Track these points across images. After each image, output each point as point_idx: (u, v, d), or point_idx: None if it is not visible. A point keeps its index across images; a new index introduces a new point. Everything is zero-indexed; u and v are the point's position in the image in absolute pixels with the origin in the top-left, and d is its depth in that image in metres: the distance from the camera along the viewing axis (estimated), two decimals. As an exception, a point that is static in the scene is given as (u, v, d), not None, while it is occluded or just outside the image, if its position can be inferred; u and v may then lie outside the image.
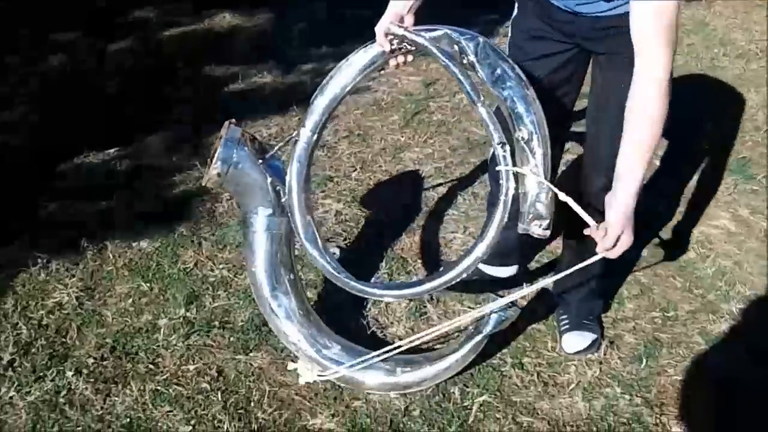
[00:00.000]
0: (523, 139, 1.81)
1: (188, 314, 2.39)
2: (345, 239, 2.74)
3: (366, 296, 2.08)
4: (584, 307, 2.34)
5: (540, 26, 2.02)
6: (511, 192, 1.82)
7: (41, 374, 2.18)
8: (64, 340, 2.31)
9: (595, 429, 2.04)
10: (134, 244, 2.70)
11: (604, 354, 2.27)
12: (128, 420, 2.05)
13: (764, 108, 3.68)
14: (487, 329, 2.01)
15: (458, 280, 1.91)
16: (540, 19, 2.02)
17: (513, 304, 2.01)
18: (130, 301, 2.46)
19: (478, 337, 2.03)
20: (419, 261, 2.64)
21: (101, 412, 2.08)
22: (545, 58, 2.04)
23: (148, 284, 2.52)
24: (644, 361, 2.25)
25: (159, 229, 2.77)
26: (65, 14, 4.69)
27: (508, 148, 1.81)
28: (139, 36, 4.53)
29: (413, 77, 3.99)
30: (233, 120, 2.04)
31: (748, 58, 4.30)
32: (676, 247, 2.72)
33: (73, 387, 2.15)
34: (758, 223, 2.87)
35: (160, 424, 2.04)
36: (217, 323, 2.36)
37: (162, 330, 2.34)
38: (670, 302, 2.48)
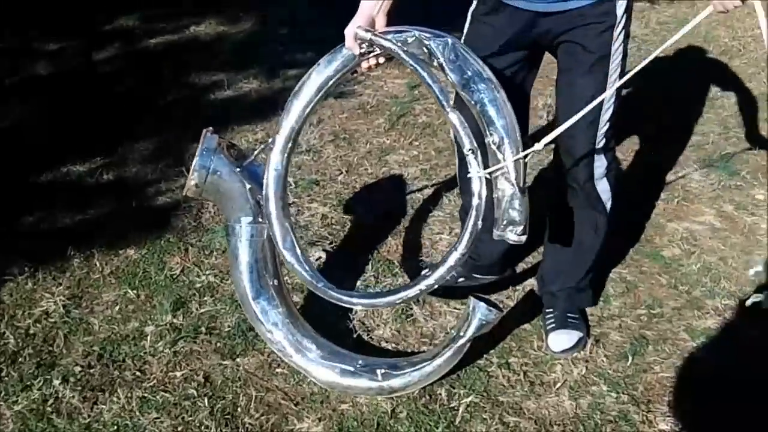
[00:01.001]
0: (494, 143, 1.79)
1: (175, 320, 2.39)
2: (331, 242, 2.74)
3: (343, 304, 2.08)
4: (570, 303, 2.35)
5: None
6: (483, 198, 1.82)
7: (28, 383, 2.18)
8: (51, 348, 2.31)
9: (582, 427, 2.05)
10: (121, 252, 2.70)
11: (591, 352, 2.28)
12: (115, 427, 2.05)
13: (747, 104, 3.70)
14: (469, 333, 2.01)
15: (433, 288, 1.92)
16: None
17: (495, 307, 2.02)
18: (117, 308, 2.46)
19: (461, 341, 2.03)
20: (405, 263, 2.65)
21: (88, 420, 2.07)
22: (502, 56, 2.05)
23: (135, 291, 2.52)
24: (630, 358, 2.26)
25: (145, 236, 2.77)
26: (51, 21, 4.69)
27: (479, 153, 1.80)
28: (125, 43, 4.54)
29: (398, 80, 4.00)
30: (210, 129, 2.05)
31: (731, 54, 4.33)
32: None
33: (60, 395, 2.15)
34: (742, 219, 2.88)
35: (147, 431, 2.04)
36: (203, 329, 2.36)
37: (149, 337, 2.34)
38: (655, 299, 2.49)
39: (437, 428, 2.03)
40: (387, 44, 1.88)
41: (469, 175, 1.83)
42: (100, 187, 3.09)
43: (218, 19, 4.85)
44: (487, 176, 1.81)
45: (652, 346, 2.31)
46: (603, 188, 2.18)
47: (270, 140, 2.05)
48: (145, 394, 2.14)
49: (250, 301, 2.13)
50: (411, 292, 1.94)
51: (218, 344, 2.31)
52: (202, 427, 2.04)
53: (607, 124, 2.08)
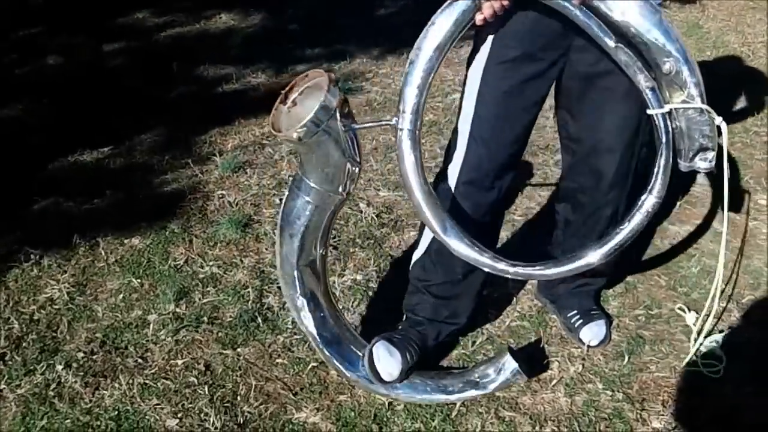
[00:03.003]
0: (670, 71, 1.65)
1: (178, 310, 2.42)
2: (334, 237, 2.77)
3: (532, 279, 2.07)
4: (586, 297, 2.38)
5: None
6: (671, 130, 1.71)
7: (31, 368, 2.21)
8: (54, 334, 2.34)
9: (576, 424, 2.07)
10: (126, 241, 2.73)
11: (587, 350, 2.30)
12: (116, 413, 2.08)
13: (755, 110, 3.71)
14: (490, 388, 2.07)
15: (627, 242, 1.87)
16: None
17: (520, 371, 2.06)
18: (121, 296, 2.49)
19: (478, 393, 2.08)
20: (408, 259, 2.66)
21: (90, 405, 2.11)
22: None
23: (139, 280, 2.55)
24: (627, 357, 2.28)
25: (151, 226, 2.80)
26: (61, 14, 4.73)
27: (656, 87, 1.67)
28: (135, 36, 4.57)
29: (406, 78, 4.01)
30: (333, 76, 1.72)
31: (740, 60, 4.33)
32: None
33: (62, 380, 2.18)
34: (743, 223, 2.90)
35: (147, 417, 2.07)
36: (205, 319, 2.39)
37: (151, 325, 2.37)
38: (654, 300, 2.51)
39: (433, 421, 2.05)
40: None
41: (650, 112, 1.71)
42: (107, 176, 3.12)
43: (229, 14, 4.88)
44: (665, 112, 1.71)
45: (648, 346, 2.32)
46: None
47: (391, 119, 1.76)
48: (147, 381, 2.17)
49: (292, 264, 1.95)
50: (604, 250, 1.88)
51: (220, 334, 2.34)
52: (202, 415, 2.07)
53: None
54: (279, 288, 2.50)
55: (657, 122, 1.72)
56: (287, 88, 1.74)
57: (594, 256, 1.90)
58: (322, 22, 4.74)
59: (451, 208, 1.97)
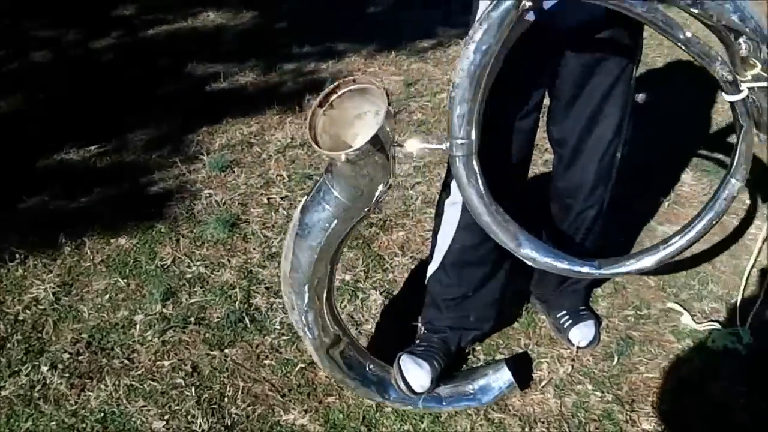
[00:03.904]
0: (746, 52, 1.53)
1: (164, 310, 2.40)
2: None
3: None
4: (576, 297, 2.37)
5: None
6: (749, 115, 1.61)
7: (16, 369, 2.19)
8: (40, 335, 2.32)
9: (566, 425, 2.06)
10: (112, 241, 2.71)
11: (577, 351, 2.29)
12: (102, 415, 2.06)
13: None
14: (485, 400, 2.07)
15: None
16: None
17: (515, 383, 2.06)
18: (107, 296, 2.47)
19: (471, 404, 2.07)
20: (396, 259, 2.66)
21: (75, 406, 2.08)
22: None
23: (125, 280, 2.53)
24: (616, 358, 2.27)
25: (137, 225, 2.78)
26: (49, 9, 4.69)
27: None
28: (124, 32, 4.54)
29: (395, 77, 4.01)
30: (387, 88, 1.62)
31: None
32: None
33: (48, 382, 2.16)
34: (732, 223, 2.90)
35: (134, 419, 2.05)
36: (192, 319, 2.37)
37: (138, 325, 2.35)
38: (643, 300, 2.51)
39: (422, 423, 2.04)
40: None
41: (731, 99, 1.61)
42: (94, 175, 3.10)
43: (218, 11, 4.85)
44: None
45: (638, 347, 2.32)
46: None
47: (445, 143, 1.59)
48: (133, 383, 2.15)
49: (305, 265, 1.83)
50: (691, 234, 1.80)
51: (207, 335, 2.32)
52: (189, 417, 2.05)
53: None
54: (267, 289, 2.49)
55: (736, 108, 1.63)
56: (328, 90, 1.62)
57: (680, 241, 1.82)
58: (312, 20, 4.72)
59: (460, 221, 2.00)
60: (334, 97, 1.62)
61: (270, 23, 4.72)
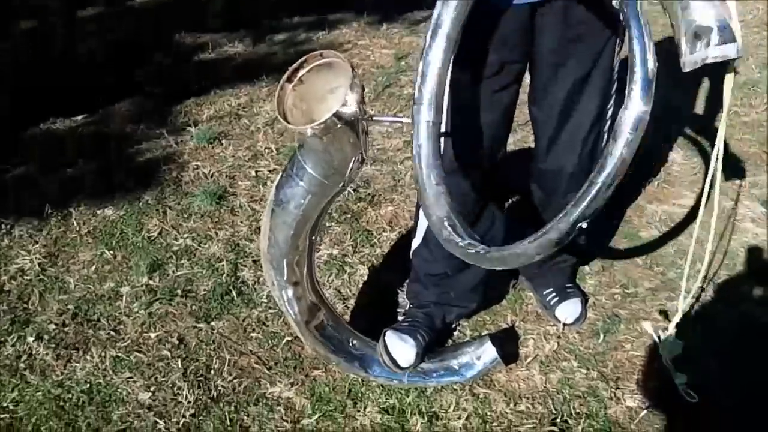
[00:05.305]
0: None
1: (151, 282, 2.40)
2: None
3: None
4: (562, 275, 2.38)
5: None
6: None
7: (2, 339, 2.19)
8: (25, 305, 2.31)
9: (550, 401, 2.07)
10: (99, 212, 2.69)
11: (563, 328, 2.30)
12: (88, 385, 2.06)
13: (738, 90, 3.72)
14: (468, 376, 2.06)
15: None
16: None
17: (500, 360, 2.05)
18: (93, 268, 2.45)
19: (456, 380, 2.07)
20: (384, 234, 2.65)
21: (61, 377, 2.08)
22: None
23: (112, 252, 2.51)
24: (602, 336, 2.28)
25: (124, 196, 2.76)
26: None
27: None
28: (111, 2, 4.49)
29: (385, 50, 3.98)
30: (353, 63, 1.61)
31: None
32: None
33: (33, 352, 2.15)
34: (721, 204, 2.90)
35: (119, 390, 2.05)
36: (179, 292, 2.36)
37: (124, 297, 2.34)
38: (630, 279, 2.51)
39: (408, 397, 2.05)
40: None
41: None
42: (80, 146, 3.08)
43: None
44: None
45: (624, 325, 2.33)
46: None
47: (402, 117, 1.62)
48: (119, 354, 2.15)
49: (282, 250, 1.83)
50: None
51: (193, 307, 2.31)
52: (175, 388, 2.05)
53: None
54: (254, 262, 2.48)
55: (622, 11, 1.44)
56: (295, 65, 1.62)
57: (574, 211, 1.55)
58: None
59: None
60: (302, 72, 1.62)
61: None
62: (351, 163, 1.68)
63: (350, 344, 2.06)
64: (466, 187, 1.97)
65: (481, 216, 2.11)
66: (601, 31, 1.86)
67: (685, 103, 3.59)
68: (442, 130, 1.78)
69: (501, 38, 1.81)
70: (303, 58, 1.63)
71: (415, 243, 2.17)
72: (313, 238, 1.87)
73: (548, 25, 1.83)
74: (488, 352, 2.06)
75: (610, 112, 2.00)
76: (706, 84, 3.75)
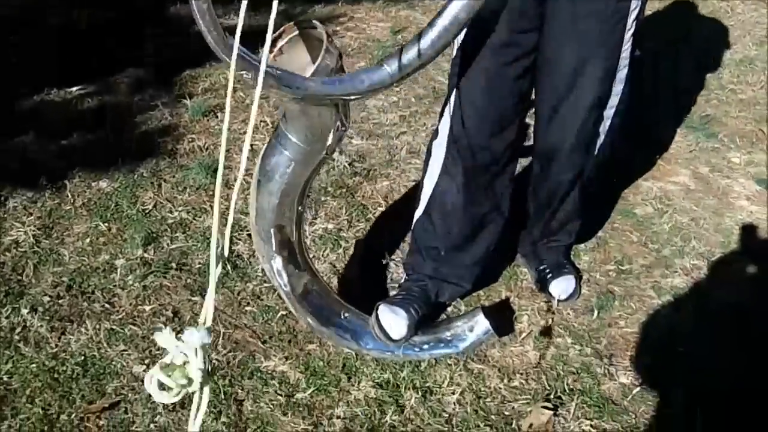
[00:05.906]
0: None
1: (146, 255, 2.39)
2: (306, 185, 2.74)
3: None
4: (557, 252, 2.37)
5: None
6: None
7: (-4, 311, 2.18)
8: (20, 277, 2.30)
9: (544, 377, 2.08)
10: (93, 184, 2.68)
11: (557, 305, 2.30)
12: (83, 358, 2.06)
13: (731, 66, 3.71)
14: (461, 348, 2.07)
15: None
16: None
17: (492, 331, 2.05)
18: (88, 240, 2.45)
19: (449, 351, 2.08)
20: (379, 209, 2.65)
21: (56, 349, 2.08)
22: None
23: (107, 224, 2.51)
24: (596, 312, 2.29)
25: (119, 169, 2.75)
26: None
27: None
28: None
29: (381, 23, 3.95)
30: (329, 30, 1.59)
31: (719, 16, 4.31)
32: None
33: (28, 324, 2.15)
34: (717, 181, 2.90)
35: (114, 362, 2.05)
36: (174, 265, 2.36)
37: (119, 270, 2.33)
38: (625, 256, 2.52)
39: (402, 371, 2.05)
40: None
41: None
42: (75, 118, 3.05)
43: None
44: None
45: (618, 302, 2.34)
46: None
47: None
48: (114, 327, 2.15)
49: (268, 220, 1.85)
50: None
51: (188, 280, 2.31)
52: (169, 362, 2.05)
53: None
54: (249, 236, 2.47)
55: None
56: (275, 35, 1.62)
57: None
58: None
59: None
60: (281, 42, 1.63)
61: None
62: (332, 131, 1.70)
63: (342, 317, 2.06)
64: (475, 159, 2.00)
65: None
66: (613, 12, 1.86)
67: (684, 80, 3.58)
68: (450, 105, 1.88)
69: (513, 7, 1.82)
70: (281, 29, 1.63)
71: (417, 213, 2.17)
72: (300, 208, 1.87)
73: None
74: (480, 323, 2.06)
75: (616, 100, 1.99)
76: (702, 61, 3.74)
